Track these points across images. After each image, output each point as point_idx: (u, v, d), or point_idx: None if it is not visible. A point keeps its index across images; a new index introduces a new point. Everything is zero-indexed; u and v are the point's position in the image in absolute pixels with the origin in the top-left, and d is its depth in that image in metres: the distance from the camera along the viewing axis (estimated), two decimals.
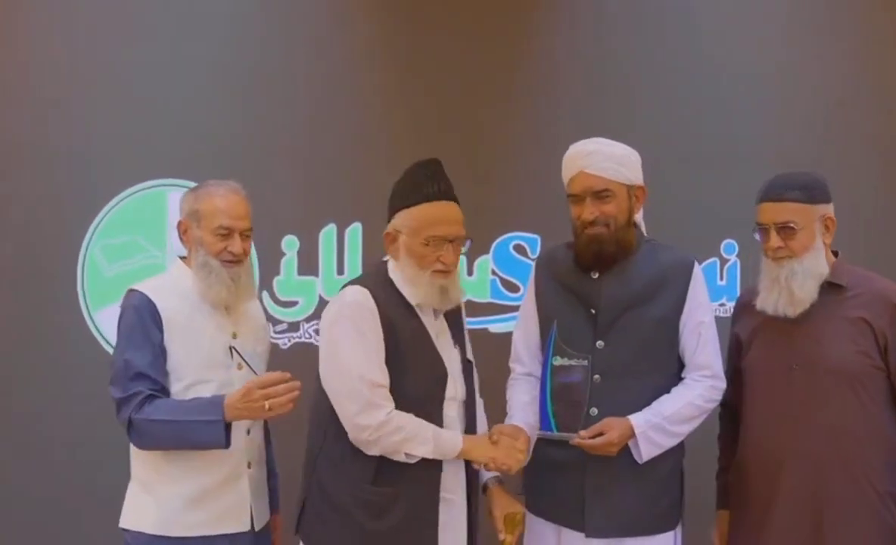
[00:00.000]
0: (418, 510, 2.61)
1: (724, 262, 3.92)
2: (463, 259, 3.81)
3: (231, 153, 3.83)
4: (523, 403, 2.87)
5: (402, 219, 2.64)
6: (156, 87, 3.91)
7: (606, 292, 2.77)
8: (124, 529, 2.68)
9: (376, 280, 2.68)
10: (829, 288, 2.74)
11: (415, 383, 2.61)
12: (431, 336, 2.67)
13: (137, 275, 3.77)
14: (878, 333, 2.68)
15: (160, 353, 2.63)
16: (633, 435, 2.69)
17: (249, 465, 2.73)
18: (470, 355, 2.86)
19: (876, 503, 2.68)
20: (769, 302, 2.76)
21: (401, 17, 4.00)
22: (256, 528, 2.75)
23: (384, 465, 2.58)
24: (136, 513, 2.68)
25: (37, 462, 3.84)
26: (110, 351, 3.78)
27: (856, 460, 2.68)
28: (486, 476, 2.81)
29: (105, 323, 3.85)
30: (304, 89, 3.95)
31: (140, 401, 2.57)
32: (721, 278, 3.91)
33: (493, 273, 3.94)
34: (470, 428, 2.75)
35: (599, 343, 2.76)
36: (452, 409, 2.69)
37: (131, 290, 2.72)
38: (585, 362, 2.72)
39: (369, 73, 3.97)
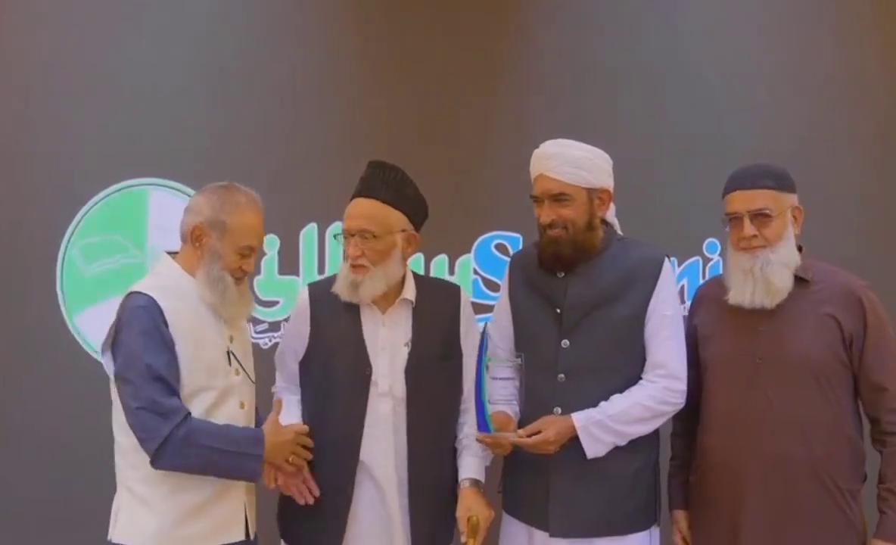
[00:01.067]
0: (331, 494, 2.71)
1: (706, 261, 3.92)
2: (445, 258, 3.89)
3: (212, 152, 3.80)
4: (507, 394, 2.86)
5: None
6: (137, 86, 3.87)
7: (571, 292, 2.76)
8: (115, 544, 2.55)
9: (328, 278, 2.89)
10: (795, 281, 2.69)
11: (340, 373, 2.74)
12: (364, 332, 2.74)
13: (117, 275, 3.78)
14: (845, 329, 2.64)
15: (175, 359, 2.51)
16: (573, 432, 2.65)
17: None
18: (464, 359, 2.83)
19: (839, 500, 2.65)
20: (745, 294, 2.69)
21: (383, 17, 3.98)
22: (251, 537, 2.68)
23: (315, 448, 2.71)
24: (129, 527, 2.54)
25: (16, 463, 3.79)
26: (90, 351, 3.77)
27: (822, 458, 2.64)
28: (462, 476, 2.79)
29: (84, 323, 3.81)
30: (284, 88, 3.92)
31: (183, 418, 2.45)
32: (704, 277, 3.90)
33: (475, 272, 3.93)
34: (415, 428, 2.73)
35: (564, 342, 2.75)
36: (385, 405, 2.72)
37: (135, 293, 2.55)
38: (519, 360, 2.72)
39: (349, 72, 3.95)
